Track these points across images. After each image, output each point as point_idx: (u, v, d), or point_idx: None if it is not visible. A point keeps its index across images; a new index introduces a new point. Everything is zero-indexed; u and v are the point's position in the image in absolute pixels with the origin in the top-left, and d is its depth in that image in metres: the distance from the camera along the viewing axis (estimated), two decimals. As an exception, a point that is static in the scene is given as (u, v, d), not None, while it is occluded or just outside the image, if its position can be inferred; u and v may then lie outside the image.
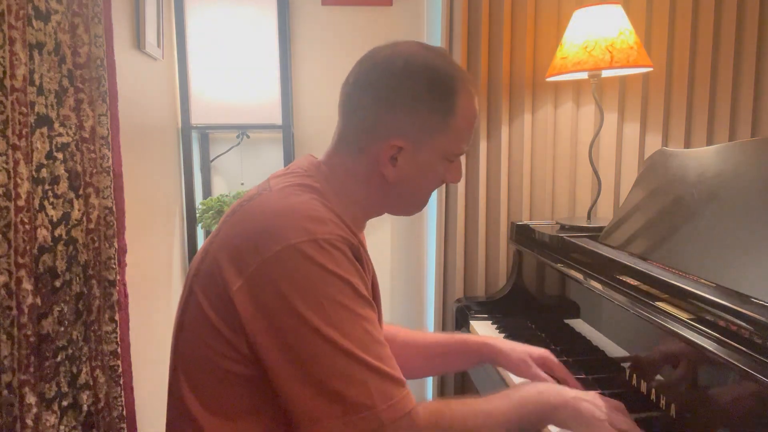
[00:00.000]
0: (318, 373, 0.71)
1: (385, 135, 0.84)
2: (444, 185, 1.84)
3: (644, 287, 1.08)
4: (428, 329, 2.08)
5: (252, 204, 0.81)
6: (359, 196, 0.89)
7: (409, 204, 0.93)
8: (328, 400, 0.71)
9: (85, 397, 1.07)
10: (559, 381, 1.05)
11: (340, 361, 0.71)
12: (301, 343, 0.71)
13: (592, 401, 0.88)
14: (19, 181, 0.88)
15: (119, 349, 1.18)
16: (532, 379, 1.05)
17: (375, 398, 0.71)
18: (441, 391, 1.95)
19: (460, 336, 1.16)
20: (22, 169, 0.89)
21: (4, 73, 0.86)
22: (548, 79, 1.71)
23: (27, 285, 0.89)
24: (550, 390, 0.89)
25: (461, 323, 1.74)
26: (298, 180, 0.84)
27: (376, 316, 0.78)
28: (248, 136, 2.08)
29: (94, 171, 1.13)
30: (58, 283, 1.00)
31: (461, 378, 1.92)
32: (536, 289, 1.63)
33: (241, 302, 0.73)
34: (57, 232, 1.00)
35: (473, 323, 1.66)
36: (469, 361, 1.17)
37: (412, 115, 0.84)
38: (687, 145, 1.84)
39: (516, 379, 1.12)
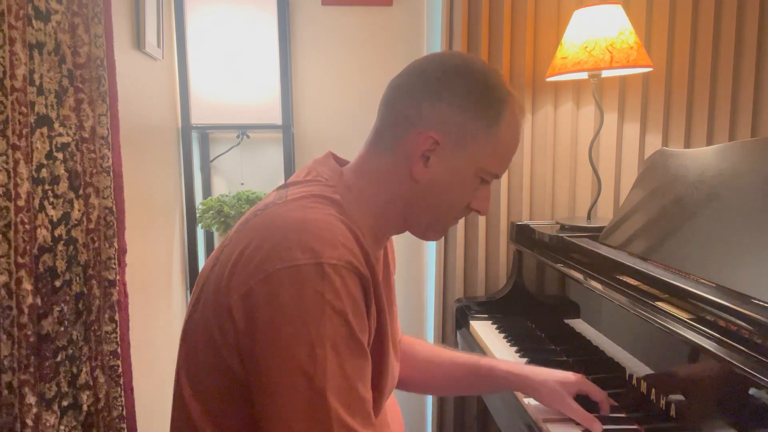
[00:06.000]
0: (286, 405, 0.67)
1: (424, 125, 0.80)
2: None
3: (644, 287, 1.08)
4: (428, 329, 2.08)
5: (265, 214, 0.77)
6: (383, 204, 0.83)
7: (431, 218, 0.86)
8: None
9: (85, 397, 1.07)
10: (597, 404, 1.02)
11: (311, 400, 0.66)
12: (278, 370, 0.68)
13: None
14: (19, 181, 0.88)
15: (119, 349, 1.18)
16: (565, 412, 0.99)
17: None
18: (441, 404, 1.94)
19: (487, 362, 1.09)
20: (22, 169, 0.89)
21: (4, 73, 0.86)
22: (548, 79, 1.71)
23: (27, 285, 0.89)
24: None
25: (461, 323, 1.74)
26: (318, 190, 0.80)
27: (364, 361, 0.72)
28: (248, 136, 2.08)
29: (94, 171, 1.12)
30: (58, 283, 1.00)
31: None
32: (536, 289, 1.63)
33: (237, 312, 0.70)
34: (57, 232, 1.00)
35: (473, 323, 1.66)
36: (495, 388, 1.12)
37: (457, 112, 0.80)
38: (687, 145, 1.84)
39: (533, 402, 1.07)
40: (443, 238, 1.85)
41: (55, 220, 0.99)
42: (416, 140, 0.80)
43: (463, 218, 1.84)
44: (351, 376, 0.69)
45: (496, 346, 1.45)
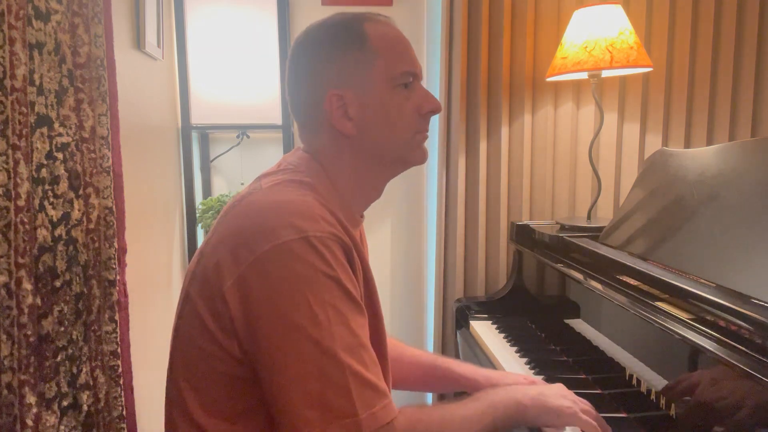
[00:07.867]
0: (299, 373, 0.69)
1: (321, 94, 0.85)
2: (445, 179, 1.83)
3: (644, 287, 1.08)
4: (428, 329, 2.07)
5: (243, 203, 0.80)
6: (352, 177, 0.88)
7: (396, 147, 0.88)
8: (307, 404, 0.69)
9: (85, 397, 1.07)
10: None
11: (323, 363, 0.69)
12: (284, 342, 0.70)
13: (557, 393, 0.91)
14: (19, 181, 0.88)
15: (119, 349, 1.18)
16: None
17: (357, 405, 0.69)
18: (441, 396, 1.94)
19: (443, 363, 1.13)
20: (22, 169, 0.89)
21: (4, 73, 0.86)
22: (548, 79, 1.71)
23: (27, 285, 0.89)
24: (517, 391, 0.91)
25: (461, 323, 1.74)
26: (289, 176, 0.84)
27: (365, 320, 0.77)
28: (248, 136, 2.08)
29: (94, 171, 1.12)
30: (58, 283, 1.00)
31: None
32: (536, 289, 1.63)
33: (232, 299, 0.73)
34: (57, 232, 1.00)
35: (473, 323, 1.66)
36: (450, 389, 1.16)
37: (331, 61, 0.85)
38: (687, 145, 1.84)
39: None
40: (443, 238, 1.85)
41: (55, 220, 0.99)
42: (328, 108, 0.85)
43: (464, 219, 1.85)
44: (357, 333, 0.73)
45: (496, 346, 1.45)
